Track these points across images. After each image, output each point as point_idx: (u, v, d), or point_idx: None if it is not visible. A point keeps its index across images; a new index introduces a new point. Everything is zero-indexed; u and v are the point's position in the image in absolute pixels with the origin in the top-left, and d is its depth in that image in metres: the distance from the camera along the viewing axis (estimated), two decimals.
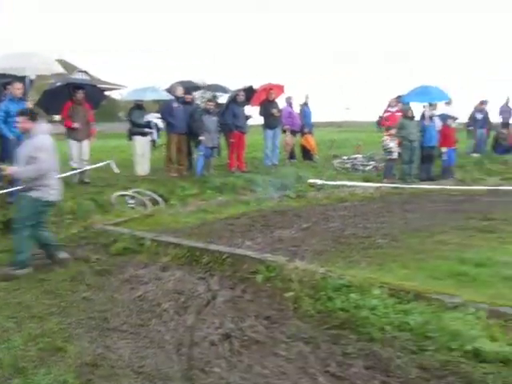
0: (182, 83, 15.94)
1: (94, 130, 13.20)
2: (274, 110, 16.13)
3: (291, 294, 5.90)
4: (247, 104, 16.41)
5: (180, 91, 14.34)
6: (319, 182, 7.25)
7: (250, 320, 5.48)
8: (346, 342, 4.85)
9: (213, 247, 7.62)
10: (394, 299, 5.42)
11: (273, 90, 16.47)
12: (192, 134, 14.28)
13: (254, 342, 4.99)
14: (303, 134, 17.63)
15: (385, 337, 4.82)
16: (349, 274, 6.06)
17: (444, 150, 17.33)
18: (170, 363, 4.65)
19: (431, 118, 17.21)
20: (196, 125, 14.06)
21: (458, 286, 6.10)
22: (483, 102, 21.63)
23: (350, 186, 13.64)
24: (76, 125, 12.44)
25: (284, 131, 17.05)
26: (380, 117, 22.65)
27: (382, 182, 15.30)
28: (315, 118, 19.69)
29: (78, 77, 34.66)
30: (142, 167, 13.90)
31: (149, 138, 14.38)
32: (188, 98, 14.68)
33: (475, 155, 20.72)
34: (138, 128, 13.80)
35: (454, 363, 4.34)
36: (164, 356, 4.77)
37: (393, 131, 16.22)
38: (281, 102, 17.12)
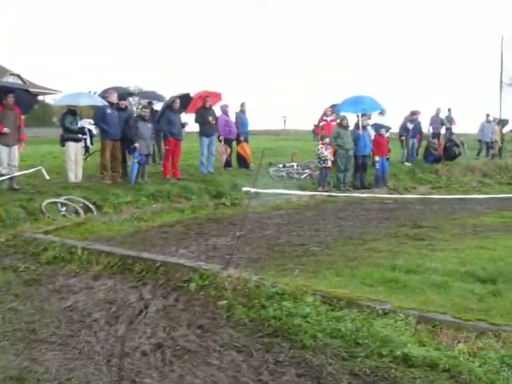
0: (116, 89, 15.67)
1: (24, 136, 12.83)
2: (210, 118, 16.07)
3: (224, 302, 5.86)
4: (183, 111, 16.29)
5: (114, 97, 14.11)
6: (253, 190, 7.20)
7: (183, 329, 5.41)
8: (278, 350, 4.84)
9: (146, 255, 7.50)
10: (326, 306, 5.45)
11: (209, 97, 16.41)
12: (126, 140, 14.06)
13: (186, 351, 4.92)
14: (239, 142, 17.62)
15: (317, 344, 4.83)
16: (282, 281, 6.06)
17: (377, 158, 17.68)
18: (99, 375, 4.53)
19: (365, 127, 17.55)
20: (131, 131, 13.87)
21: (390, 293, 6.20)
22: (414, 113, 22.18)
23: (285, 194, 13.71)
24: (5, 129, 12.05)
25: (220, 140, 16.99)
26: (315, 125, 22.94)
27: (316, 190, 15.48)
28: (252, 126, 19.73)
29: (9, 80, 33.70)
30: (75, 174, 13.58)
31: (82, 144, 14.07)
32: (122, 104, 14.46)
33: (407, 164, 21.22)
34: (71, 134, 13.49)
35: (384, 369, 4.38)
36: (93, 368, 4.65)
37: (327, 140, 16.44)
38: (217, 110, 17.11)
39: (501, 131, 26.60)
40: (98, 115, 14.03)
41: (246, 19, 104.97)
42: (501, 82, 39.91)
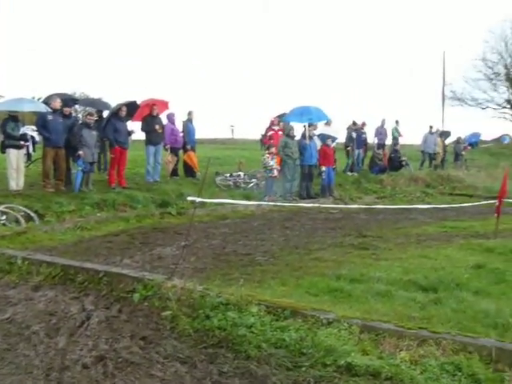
0: (60, 95, 15.37)
1: None
2: (157, 126, 15.94)
3: (169, 313, 5.77)
4: (129, 119, 16.10)
5: (57, 103, 13.82)
6: (198, 199, 7.14)
7: (126, 341, 5.30)
8: (222, 361, 4.79)
9: (88, 265, 7.33)
10: (271, 316, 5.43)
11: (156, 105, 16.28)
12: (71, 148, 13.80)
13: (128, 363, 4.82)
14: (186, 150, 17.52)
15: (261, 354, 4.80)
16: (227, 291, 6.02)
17: (323, 168, 17.87)
18: None
19: (311, 137, 17.71)
20: (75, 139, 13.62)
21: (334, 302, 6.23)
22: (356, 123, 22.54)
23: (232, 204, 13.69)
24: None
25: (166, 149, 16.86)
26: (262, 135, 23.02)
27: (263, 200, 15.51)
28: (199, 134, 19.67)
29: None
30: (16, 181, 13.25)
31: (24, 151, 13.75)
32: (66, 110, 14.18)
33: (351, 174, 21.52)
34: (13, 140, 13.16)
35: (328, 378, 4.39)
36: (31, 382, 4.51)
37: (273, 149, 16.53)
38: (164, 118, 16.98)
39: (443, 143, 27.30)
40: (40, 122, 13.73)
41: (195, 26, 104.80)
42: (443, 94, 40.79)
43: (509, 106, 43.76)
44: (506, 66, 42.73)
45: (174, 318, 5.66)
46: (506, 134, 45.28)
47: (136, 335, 5.42)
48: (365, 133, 23.35)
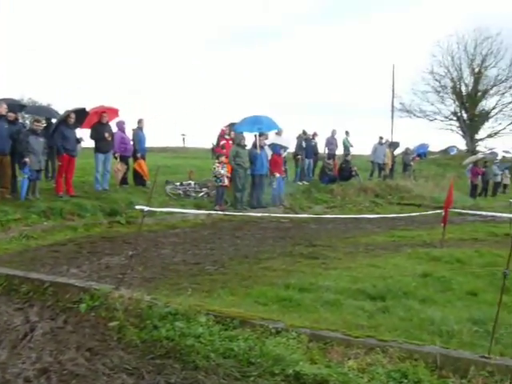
0: (6, 100, 15.00)
1: None
2: (106, 134, 15.72)
3: (116, 323, 5.68)
4: (78, 126, 15.81)
5: (3, 109, 13.47)
6: (146, 208, 7.06)
7: (71, 352, 5.18)
8: (170, 372, 4.73)
9: (34, 275, 7.16)
10: (219, 326, 5.39)
11: (106, 113, 16.06)
12: (17, 155, 13.48)
13: (73, 375, 4.70)
14: (136, 158, 17.32)
15: (209, 364, 4.77)
16: (175, 301, 5.96)
17: (274, 178, 17.92)
18: None
19: (262, 146, 17.74)
20: (21, 146, 13.29)
21: (283, 311, 6.23)
22: (306, 132, 22.73)
23: (181, 213, 13.60)
24: None
25: (115, 157, 16.63)
26: (214, 144, 23.01)
27: (213, 209, 15.46)
28: (150, 143, 19.50)
29: None
30: None
31: None
32: (11, 116, 13.81)
33: (301, 183, 21.65)
34: None
35: None
36: None
37: (223, 158, 16.52)
38: (114, 126, 16.76)
39: (392, 153, 27.74)
40: None
41: (147, 33, 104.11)
42: (392, 106, 41.54)
43: (455, 119, 44.75)
44: (452, 80, 43.74)
45: (121, 329, 5.58)
46: (453, 146, 46.38)
47: (82, 346, 5.31)
48: (315, 142, 23.56)
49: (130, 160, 17.53)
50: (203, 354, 4.91)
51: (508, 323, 5.93)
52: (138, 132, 17.58)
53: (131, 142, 17.26)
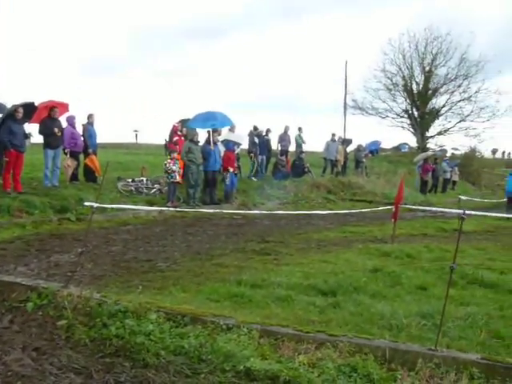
0: None
1: None
2: (56, 129, 15.41)
3: (64, 322, 5.57)
4: (27, 121, 15.45)
5: None
6: (95, 204, 6.94)
7: (17, 353, 5.05)
8: (119, 370, 4.66)
9: None
10: (170, 323, 5.35)
11: (56, 107, 15.73)
12: None
13: (19, 376, 4.58)
14: (87, 154, 17.04)
15: (160, 362, 4.72)
16: (126, 299, 5.89)
17: (227, 174, 17.90)
18: None
19: (215, 143, 17.69)
20: None
21: (235, 308, 6.22)
22: (257, 128, 22.76)
23: (132, 209, 13.46)
24: None
25: (65, 153, 16.32)
26: (167, 140, 22.82)
27: (165, 206, 15.35)
28: (102, 138, 19.20)
29: None
30: None
31: None
32: None
33: (255, 180, 21.69)
34: None
35: None
36: None
37: (175, 155, 16.42)
38: (64, 121, 16.41)
39: (345, 150, 28.02)
40: None
41: (97, 29, 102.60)
42: (345, 103, 41.92)
43: (406, 116, 45.37)
44: (403, 78, 44.23)
45: (70, 328, 5.48)
46: (405, 143, 47.11)
47: (28, 346, 5.18)
48: (268, 139, 23.61)
49: (81, 156, 17.25)
50: (153, 351, 4.86)
51: (455, 316, 6.05)
52: (88, 127, 17.30)
53: (81, 138, 16.96)
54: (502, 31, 77.97)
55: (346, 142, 30.29)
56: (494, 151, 44.38)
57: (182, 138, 18.53)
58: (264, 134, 23.15)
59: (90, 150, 17.08)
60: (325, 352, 4.74)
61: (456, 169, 32.14)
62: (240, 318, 5.46)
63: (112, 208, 13.11)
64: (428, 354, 4.62)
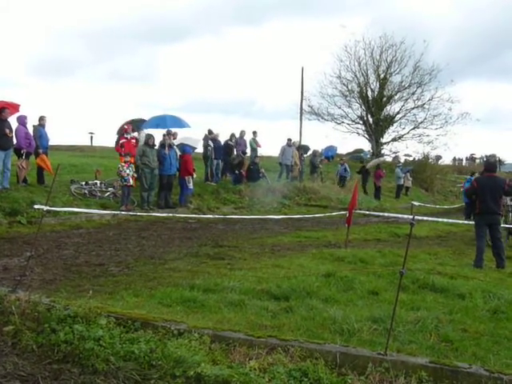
0: None
1: None
2: (7, 130, 15.07)
3: (11, 327, 5.43)
4: None
5: None
6: (46, 207, 6.81)
7: None
8: (67, 377, 4.56)
9: None
10: (120, 328, 5.26)
11: (6, 108, 15.37)
12: None
13: None
14: (37, 154, 16.66)
15: (109, 368, 4.64)
16: (76, 303, 5.77)
17: (189, 178, 17.82)
18: None
19: (171, 146, 17.59)
20: None
21: (187, 313, 6.18)
22: (212, 132, 22.66)
23: (86, 213, 13.27)
24: None
25: (21, 154, 15.91)
26: (117, 142, 22.61)
27: (119, 209, 15.18)
28: (55, 140, 18.89)
29: None
30: None
31: None
32: None
33: (211, 184, 21.61)
34: None
35: None
36: None
37: (128, 158, 16.27)
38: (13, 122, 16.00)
39: (301, 155, 28.12)
40: None
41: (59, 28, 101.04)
42: (301, 108, 42.11)
43: (361, 122, 45.90)
44: (359, 85, 44.79)
45: (17, 333, 5.34)
46: (367, 150, 47.68)
47: None
48: (230, 144, 23.49)
49: (32, 157, 16.88)
50: (103, 357, 4.77)
51: (406, 320, 6.13)
52: (39, 129, 16.92)
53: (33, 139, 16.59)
54: (454, 41, 79.81)
55: (303, 148, 30.39)
56: (438, 158, 45.31)
57: (133, 141, 18.27)
58: (217, 136, 23.07)
59: (40, 151, 16.67)
60: (276, 357, 4.73)
61: (408, 175, 32.62)
62: (192, 323, 5.41)
63: (65, 211, 12.91)
64: (378, 358, 4.66)
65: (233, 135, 23.62)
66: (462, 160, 53.30)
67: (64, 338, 5.08)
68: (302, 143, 31.79)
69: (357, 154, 48.12)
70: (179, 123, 18.89)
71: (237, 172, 22.91)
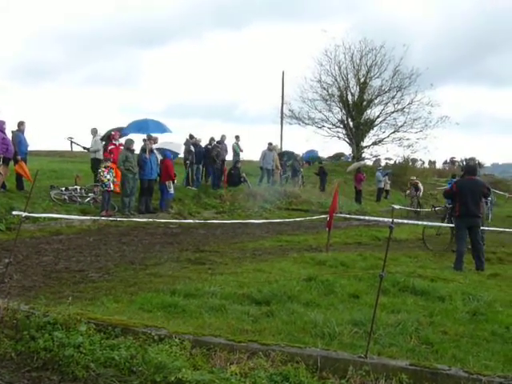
0: None
1: None
2: None
3: None
4: None
5: None
6: (24, 213, 6.76)
7: None
8: None
9: None
10: (101, 335, 5.22)
11: None
12: None
13: None
14: (16, 161, 16.49)
15: (89, 375, 4.61)
16: (55, 310, 5.72)
17: (170, 183, 17.78)
18: None
19: (152, 151, 17.55)
20: None
21: (168, 318, 6.16)
22: (193, 136, 22.64)
23: (66, 219, 13.18)
24: None
25: None
26: (104, 148, 22.48)
27: (100, 215, 15.09)
28: (36, 146, 18.74)
29: None
30: None
31: None
32: None
33: (191, 188, 21.57)
34: None
35: None
36: None
37: (109, 163, 16.19)
38: None
39: (285, 162, 28.16)
40: None
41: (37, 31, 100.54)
42: (281, 113, 42.14)
43: (342, 126, 46.06)
44: (339, 89, 44.96)
45: None
46: (348, 154, 47.90)
47: None
48: (210, 148, 23.43)
49: (11, 163, 16.71)
50: (83, 364, 4.73)
51: (387, 323, 6.16)
52: (18, 134, 16.77)
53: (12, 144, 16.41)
54: (434, 45, 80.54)
55: (287, 154, 30.44)
56: (414, 161, 45.75)
57: (121, 148, 18.23)
58: (208, 143, 23.06)
59: (19, 157, 16.51)
60: (257, 361, 4.73)
61: (387, 178, 32.79)
62: (173, 329, 5.39)
63: (44, 217, 12.81)
64: (358, 361, 4.67)
65: (212, 139, 23.52)
66: (434, 162, 53.65)
67: (43, 346, 5.04)
68: (286, 149, 31.88)
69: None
70: (161, 128, 18.84)
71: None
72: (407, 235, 15.97)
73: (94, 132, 19.43)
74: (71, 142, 18.51)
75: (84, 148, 18.99)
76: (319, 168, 31.13)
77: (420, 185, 28.95)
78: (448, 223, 13.59)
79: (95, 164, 18.83)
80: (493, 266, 11.06)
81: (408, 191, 29.02)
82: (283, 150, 32.71)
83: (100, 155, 18.89)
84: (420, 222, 12.97)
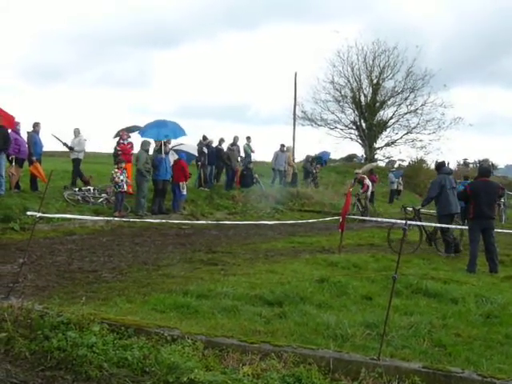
0: None
1: None
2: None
3: (4, 335, 5.40)
4: None
5: None
6: (38, 214, 6.80)
7: None
8: None
9: None
10: (114, 335, 5.25)
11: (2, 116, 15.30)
12: None
13: None
14: (31, 162, 16.62)
15: (102, 375, 4.63)
16: (69, 310, 5.75)
17: (183, 184, 17.81)
18: None
19: (166, 152, 17.59)
20: None
21: (181, 318, 6.18)
22: (206, 138, 22.64)
23: (79, 219, 13.24)
24: None
25: (10, 160, 15.86)
26: (115, 149, 22.56)
27: (113, 215, 15.15)
28: (49, 147, 18.83)
29: None
30: None
31: None
32: None
33: (204, 189, 21.58)
34: None
35: None
36: None
37: (123, 164, 16.26)
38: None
39: (293, 161, 28.12)
40: None
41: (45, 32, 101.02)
42: (294, 114, 42.17)
43: (354, 127, 45.96)
44: (352, 90, 44.86)
45: (10, 341, 5.31)
46: (361, 154, 47.72)
47: None
48: (221, 148, 23.44)
49: (26, 164, 16.84)
50: (96, 364, 4.76)
51: (399, 325, 6.14)
52: (34, 135, 16.93)
53: (26, 145, 16.54)
54: (447, 46, 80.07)
55: (316, 159, 30.40)
56: (422, 162, 45.54)
57: (129, 147, 18.31)
58: (218, 143, 23.07)
59: (34, 158, 16.65)
60: (269, 363, 4.73)
61: (400, 179, 32.66)
62: (185, 329, 5.40)
63: (58, 218, 12.88)
64: (371, 363, 4.67)
65: (222, 140, 23.49)
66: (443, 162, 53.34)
67: (57, 345, 5.07)
68: (316, 153, 31.63)
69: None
70: (179, 131, 18.70)
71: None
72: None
73: (77, 132, 19.43)
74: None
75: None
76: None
77: (367, 181, 23.79)
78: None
79: (77, 164, 19.05)
80: (507, 269, 10.96)
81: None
82: (312, 154, 32.78)
83: (81, 156, 19.09)
84: (434, 224, 12.86)
